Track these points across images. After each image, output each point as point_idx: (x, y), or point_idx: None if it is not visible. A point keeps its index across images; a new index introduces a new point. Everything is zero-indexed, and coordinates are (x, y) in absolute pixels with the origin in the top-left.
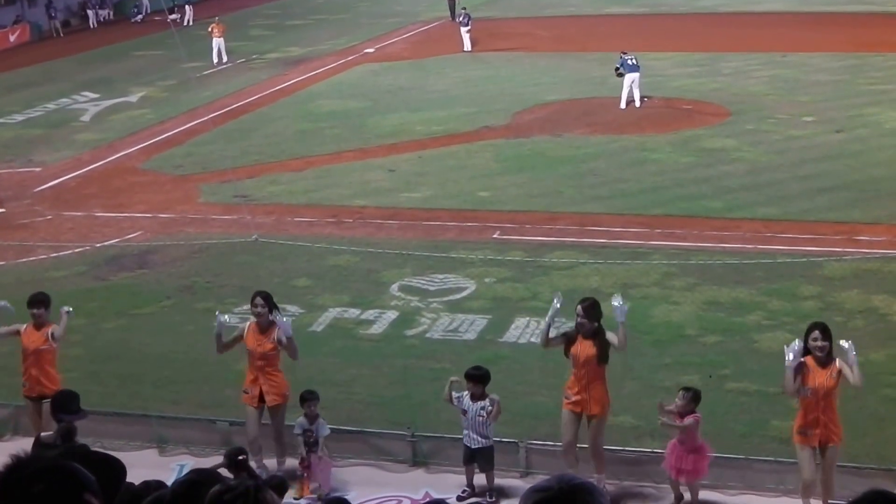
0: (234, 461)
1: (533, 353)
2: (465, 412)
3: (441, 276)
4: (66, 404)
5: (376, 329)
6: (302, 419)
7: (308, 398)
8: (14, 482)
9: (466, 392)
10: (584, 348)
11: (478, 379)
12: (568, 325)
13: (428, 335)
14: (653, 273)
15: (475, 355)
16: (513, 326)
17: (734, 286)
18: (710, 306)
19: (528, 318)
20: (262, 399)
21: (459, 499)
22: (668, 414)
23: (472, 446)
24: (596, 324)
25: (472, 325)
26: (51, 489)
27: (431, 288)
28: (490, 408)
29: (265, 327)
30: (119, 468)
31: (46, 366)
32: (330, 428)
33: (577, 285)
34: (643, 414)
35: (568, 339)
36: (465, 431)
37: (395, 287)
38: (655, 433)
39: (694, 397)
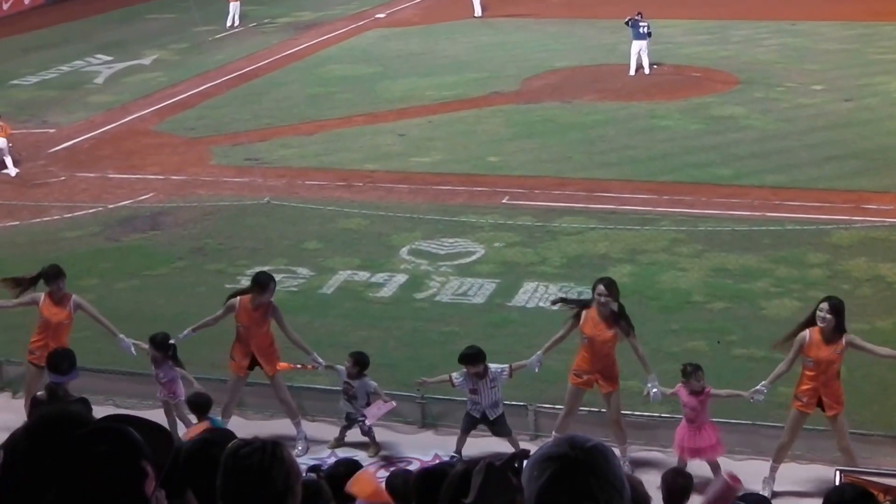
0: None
1: (541, 318)
2: (474, 391)
3: (450, 241)
4: (55, 365)
5: (386, 292)
6: (342, 367)
7: (351, 354)
8: (72, 439)
9: (463, 371)
10: (601, 332)
11: (473, 359)
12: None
13: (437, 298)
14: (661, 239)
15: (484, 319)
16: (521, 291)
17: (742, 253)
18: (718, 273)
19: (536, 283)
20: (250, 367)
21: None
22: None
23: (478, 416)
24: (616, 304)
25: (480, 289)
26: (114, 452)
27: (441, 252)
28: (504, 374)
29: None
30: (167, 438)
31: (63, 338)
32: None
33: (585, 251)
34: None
35: (581, 309)
36: (474, 406)
37: (404, 251)
38: (664, 398)
39: (697, 369)
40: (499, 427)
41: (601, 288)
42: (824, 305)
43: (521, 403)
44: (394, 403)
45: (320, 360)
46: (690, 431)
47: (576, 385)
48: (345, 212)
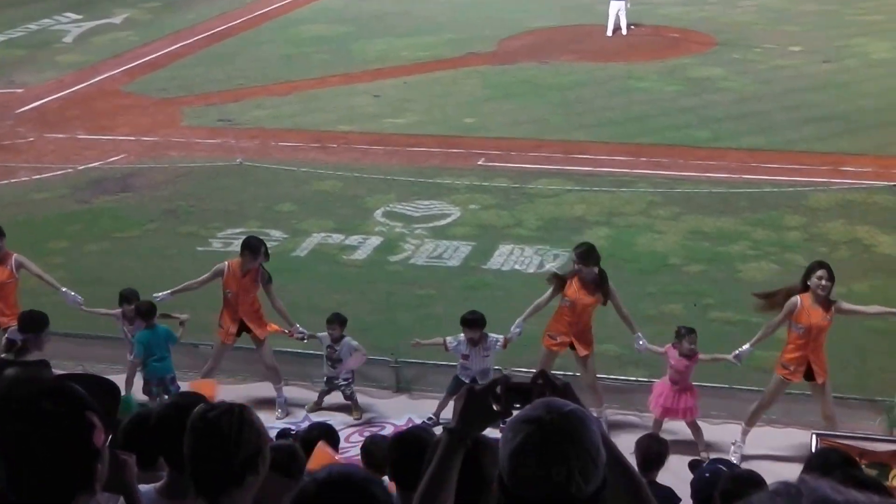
0: (147, 312)
1: (517, 281)
2: (466, 356)
3: (425, 203)
4: (19, 322)
5: (360, 255)
6: (325, 334)
7: (331, 320)
8: (18, 398)
9: (462, 336)
10: (583, 296)
11: (474, 324)
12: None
13: (412, 261)
14: (638, 202)
15: (459, 282)
16: (497, 254)
17: (719, 216)
18: (695, 235)
19: (511, 246)
20: (238, 334)
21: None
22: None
23: (466, 381)
24: (597, 269)
25: (456, 252)
26: (57, 406)
27: (416, 214)
28: (498, 344)
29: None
30: (113, 390)
31: (10, 298)
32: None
33: (561, 213)
34: (627, 343)
35: (561, 280)
36: (464, 370)
37: (379, 213)
38: (640, 362)
39: (691, 332)
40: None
41: (574, 255)
42: (822, 273)
43: (496, 367)
44: (365, 354)
45: (303, 330)
46: (671, 392)
47: (549, 347)
48: (319, 173)
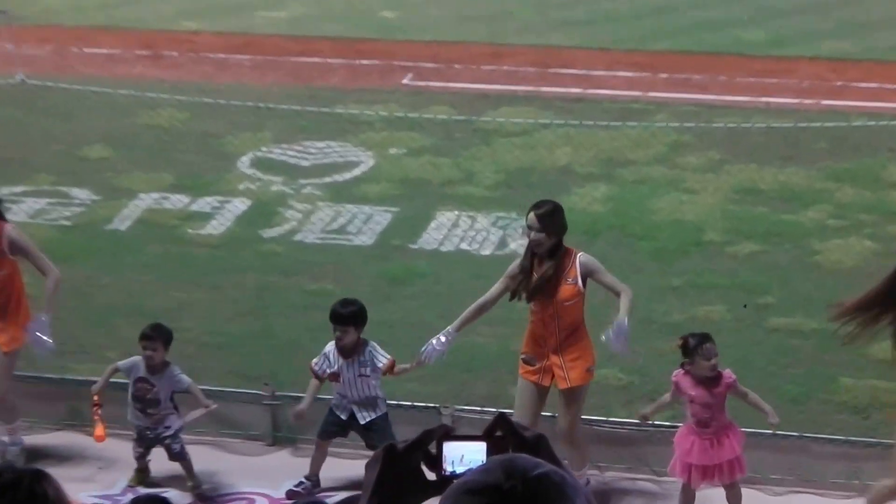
0: None
1: (465, 268)
2: (335, 375)
3: (320, 145)
4: None
5: (215, 227)
6: (136, 361)
7: (148, 336)
8: None
9: (331, 346)
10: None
11: (347, 320)
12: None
13: (298, 237)
14: (655, 143)
15: (373, 269)
16: (433, 226)
17: (783, 165)
18: (745, 196)
19: (456, 213)
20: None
21: (291, 495)
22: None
23: (344, 417)
24: (554, 241)
25: (367, 223)
26: None
27: (304, 163)
28: (380, 363)
29: None
30: None
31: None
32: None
33: (534, 161)
34: (638, 366)
35: (521, 273)
36: (338, 398)
37: (245, 161)
38: (657, 394)
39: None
40: (376, 437)
41: (532, 217)
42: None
43: (432, 405)
44: (212, 405)
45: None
46: (702, 442)
47: (528, 379)
48: (149, 98)
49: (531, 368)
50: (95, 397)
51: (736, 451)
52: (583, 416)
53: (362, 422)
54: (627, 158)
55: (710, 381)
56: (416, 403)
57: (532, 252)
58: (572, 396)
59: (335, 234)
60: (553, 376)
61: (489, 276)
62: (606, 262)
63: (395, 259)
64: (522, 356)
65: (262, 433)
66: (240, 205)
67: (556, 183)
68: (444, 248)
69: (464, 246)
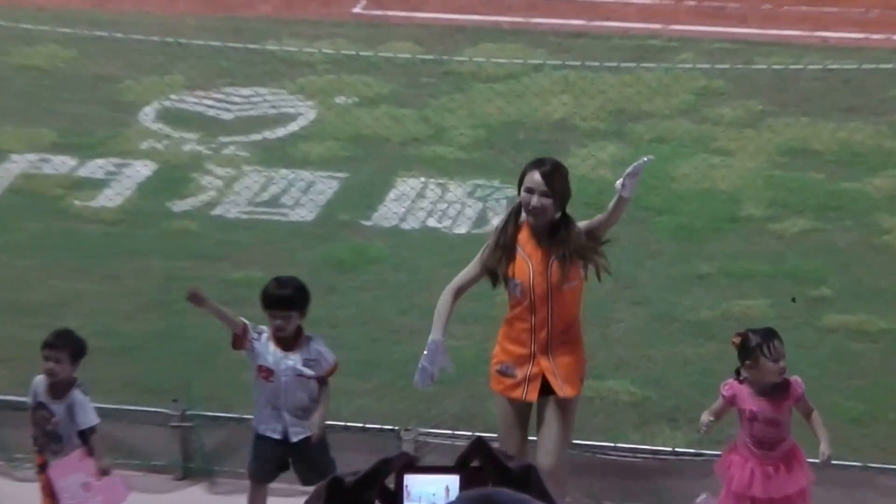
0: None
1: (433, 251)
2: (267, 372)
3: (246, 92)
4: None
5: (110, 198)
6: (40, 379)
7: (52, 344)
8: None
9: (265, 331)
10: (540, 266)
11: (284, 303)
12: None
13: (217, 212)
14: (679, 90)
15: (316, 252)
16: (392, 196)
17: (843, 118)
18: (794, 159)
19: (422, 180)
20: None
21: None
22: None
23: (278, 437)
24: (559, 209)
25: (308, 193)
26: None
27: (226, 116)
28: (327, 361)
29: None
30: None
31: None
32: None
33: (524, 114)
34: (655, 376)
35: (502, 251)
36: (264, 411)
37: (149, 112)
38: (680, 413)
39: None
40: (310, 464)
41: (534, 177)
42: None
43: (390, 427)
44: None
45: None
46: (764, 469)
47: (509, 397)
48: (23, 31)
49: (511, 381)
50: None
51: (805, 481)
52: (585, 442)
53: (294, 438)
54: (643, 110)
55: (776, 390)
56: (368, 425)
57: (516, 222)
58: (567, 409)
59: (266, 208)
60: (540, 388)
61: (465, 262)
62: (615, 242)
63: (343, 239)
64: (497, 367)
65: (169, 463)
66: (142, 169)
67: (550, 142)
68: (406, 226)
69: (432, 222)
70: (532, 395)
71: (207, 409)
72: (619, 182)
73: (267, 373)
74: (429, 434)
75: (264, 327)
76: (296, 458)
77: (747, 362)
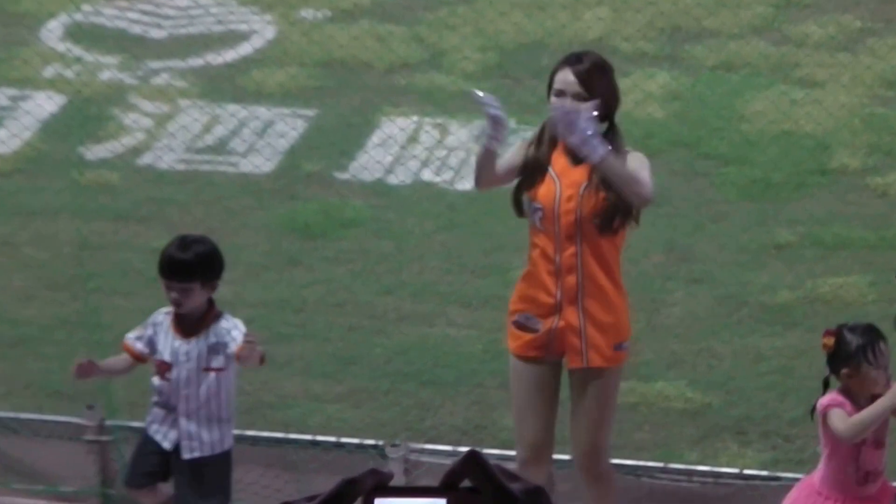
0: None
1: (428, 211)
2: (163, 366)
3: (183, 3)
4: None
5: (3, 141)
6: None
7: None
8: None
9: (162, 316)
10: (571, 189)
11: (189, 270)
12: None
13: (145, 160)
14: (752, 0)
15: (275, 213)
16: (375, 141)
17: None
18: None
19: (415, 119)
20: None
21: None
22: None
23: (168, 447)
24: (606, 122)
25: (265, 136)
26: None
27: (156, 33)
28: (230, 341)
29: None
30: None
31: None
32: None
33: (548, 32)
34: (719, 377)
35: (527, 166)
36: (157, 411)
37: (54, 28)
38: (750, 424)
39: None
40: (196, 488)
41: (567, 76)
42: None
43: (371, 441)
44: None
45: None
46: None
47: (527, 357)
48: None
49: (529, 336)
50: None
51: None
52: (630, 462)
53: (186, 455)
54: (703, 27)
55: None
56: (344, 439)
57: (553, 137)
58: (596, 385)
59: (209, 155)
60: (566, 348)
61: (469, 225)
62: (668, 199)
63: (310, 196)
64: (514, 318)
65: (83, 489)
66: (45, 103)
67: None
68: (393, 179)
69: (427, 175)
70: (554, 354)
71: (132, 417)
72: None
73: (164, 367)
74: (423, 451)
75: (160, 314)
76: (181, 479)
77: (844, 370)
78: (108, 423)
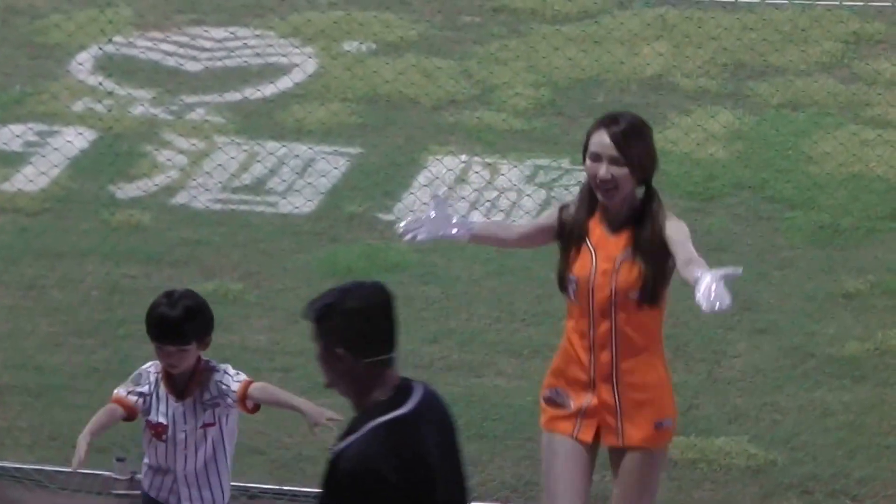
0: None
1: (477, 255)
2: (158, 428)
3: (220, 34)
4: None
5: (30, 178)
6: None
7: None
8: None
9: (152, 366)
10: (607, 263)
11: (182, 330)
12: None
13: (179, 200)
14: (821, 36)
15: (315, 256)
16: (421, 181)
17: None
18: None
19: (463, 158)
20: None
21: None
22: None
23: None
24: (640, 184)
25: (306, 175)
26: None
27: (192, 67)
28: (228, 392)
29: None
30: None
31: None
32: None
33: (604, 67)
34: (784, 432)
35: (563, 231)
36: (152, 473)
37: (84, 60)
38: (817, 483)
39: None
40: None
41: (602, 139)
42: None
43: None
44: None
45: None
46: None
47: (557, 431)
48: None
49: (561, 413)
50: None
51: None
52: None
53: None
54: (769, 63)
55: None
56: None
57: (591, 201)
58: (636, 467)
59: (247, 195)
60: (598, 428)
61: (520, 270)
62: (730, 248)
63: (352, 239)
64: (545, 393)
65: None
66: (75, 139)
67: (640, 106)
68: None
69: (476, 217)
70: (587, 435)
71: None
72: (699, 294)
73: (159, 429)
74: None
75: (151, 365)
76: None
77: None
78: (139, 476)
